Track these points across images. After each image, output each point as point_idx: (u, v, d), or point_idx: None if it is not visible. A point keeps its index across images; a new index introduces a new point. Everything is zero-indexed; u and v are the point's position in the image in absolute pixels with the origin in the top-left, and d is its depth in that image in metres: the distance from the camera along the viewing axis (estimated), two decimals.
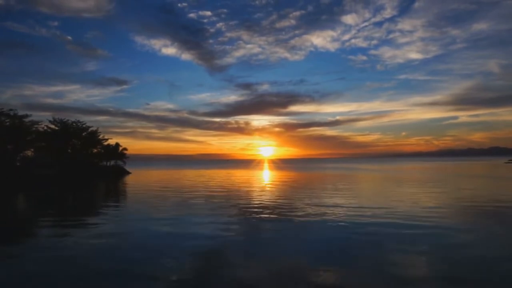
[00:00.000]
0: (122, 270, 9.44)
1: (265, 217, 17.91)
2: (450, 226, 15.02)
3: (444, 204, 21.97)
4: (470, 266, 9.61)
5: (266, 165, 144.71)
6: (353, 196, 26.32)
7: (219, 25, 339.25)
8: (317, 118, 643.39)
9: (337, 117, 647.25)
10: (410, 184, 37.48)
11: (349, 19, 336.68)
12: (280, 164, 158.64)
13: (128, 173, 68.81)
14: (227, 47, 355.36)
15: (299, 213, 18.62)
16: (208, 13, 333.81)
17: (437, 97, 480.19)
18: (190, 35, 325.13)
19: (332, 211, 19.06)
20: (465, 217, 17.67)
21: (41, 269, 9.73)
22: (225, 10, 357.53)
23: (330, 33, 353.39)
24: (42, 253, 11.37)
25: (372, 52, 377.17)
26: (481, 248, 11.45)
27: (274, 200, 24.60)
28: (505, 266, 9.61)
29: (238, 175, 63.54)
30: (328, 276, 8.79)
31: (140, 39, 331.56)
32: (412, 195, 26.87)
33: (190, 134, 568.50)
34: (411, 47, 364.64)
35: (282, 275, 9.02)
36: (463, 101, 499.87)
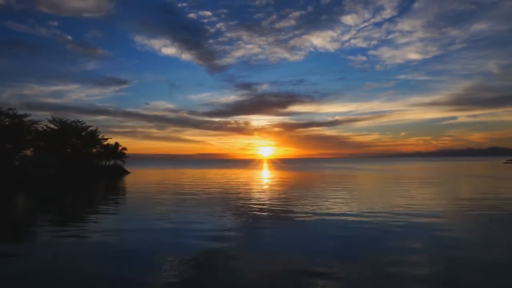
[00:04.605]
0: (119, 276, 9.38)
1: (265, 218, 17.90)
2: (465, 236, 14.46)
3: (450, 208, 21.92)
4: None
5: (265, 165, 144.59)
6: (356, 199, 26.30)
7: (219, 25, 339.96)
8: (317, 118, 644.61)
9: (337, 117, 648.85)
10: (412, 185, 37.46)
11: (348, 19, 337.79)
12: (280, 164, 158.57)
13: (128, 172, 68.66)
14: (227, 47, 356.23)
15: (299, 216, 18.60)
16: (208, 13, 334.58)
17: (436, 97, 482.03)
18: (190, 35, 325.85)
19: (332, 215, 19.03)
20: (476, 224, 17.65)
21: (39, 271, 9.70)
22: (225, 10, 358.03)
23: (330, 33, 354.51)
24: (40, 255, 11.35)
25: (372, 52, 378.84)
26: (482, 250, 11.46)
27: (274, 203, 24.56)
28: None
29: (237, 175, 63.47)
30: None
31: (140, 39, 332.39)
32: (415, 196, 26.84)
33: (190, 134, 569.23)
34: (410, 47, 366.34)
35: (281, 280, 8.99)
36: (462, 101, 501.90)
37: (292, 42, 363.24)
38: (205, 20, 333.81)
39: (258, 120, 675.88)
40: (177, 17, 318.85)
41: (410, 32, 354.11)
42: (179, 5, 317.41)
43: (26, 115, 53.60)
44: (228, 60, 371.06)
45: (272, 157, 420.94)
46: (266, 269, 9.44)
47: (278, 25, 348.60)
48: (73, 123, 63.47)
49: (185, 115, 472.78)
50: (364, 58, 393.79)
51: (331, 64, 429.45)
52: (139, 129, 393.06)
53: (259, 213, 19.06)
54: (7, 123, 51.30)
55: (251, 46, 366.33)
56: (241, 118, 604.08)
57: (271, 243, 12.52)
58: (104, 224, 16.31)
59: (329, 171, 77.17)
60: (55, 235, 14.24)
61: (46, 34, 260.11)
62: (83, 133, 64.42)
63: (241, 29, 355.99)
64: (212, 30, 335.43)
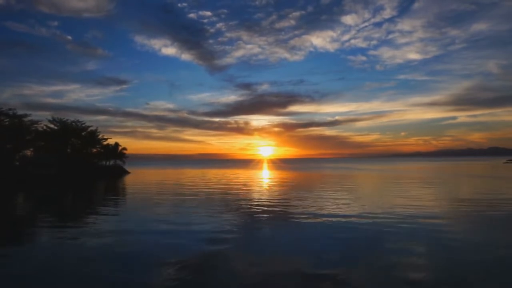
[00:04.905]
0: (119, 277, 9.37)
1: (264, 219, 17.90)
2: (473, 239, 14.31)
3: (450, 209, 21.89)
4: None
5: (265, 165, 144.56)
6: (356, 199, 26.30)
7: (219, 25, 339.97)
8: (317, 118, 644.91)
9: (336, 117, 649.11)
10: (412, 185, 37.44)
11: (348, 19, 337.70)
12: (280, 164, 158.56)
13: (128, 172, 68.67)
14: (227, 47, 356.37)
15: (299, 217, 18.59)
16: (208, 13, 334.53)
17: (436, 97, 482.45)
18: (190, 35, 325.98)
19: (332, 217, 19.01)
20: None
21: (38, 271, 9.69)
22: (225, 10, 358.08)
23: (330, 33, 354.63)
24: (40, 255, 11.35)
25: (372, 52, 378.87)
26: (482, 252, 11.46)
27: (274, 203, 24.54)
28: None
29: (237, 176, 63.47)
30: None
31: (140, 39, 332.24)
32: (416, 197, 26.82)
33: (190, 134, 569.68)
34: (410, 47, 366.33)
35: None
36: (462, 101, 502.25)
37: (292, 42, 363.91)
38: (205, 20, 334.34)
39: (258, 120, 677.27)
40: (177, 17, 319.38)
41: (410, 32, 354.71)
42: (179, 5, 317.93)
43: (26, 115, 53.72)
44: (228, 60, 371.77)
45: (272, 157, 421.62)
46: (265, 270, 9.43)
47: (278, 25, 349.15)
48: (73, 123, 63.53)
49: (185, 115, 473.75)
50: (364, 58, 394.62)
51: (331, 64, 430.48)
52: (139, 129, 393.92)
53: (259, 214, 19.05)
54: (7, 123, 51.31)
55: (251, 46, 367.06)
56: (241, 118, 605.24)
57: (271, 245, 12.47)
58: (104, 225, 16.29)
59: (329, 171, 77.17)
60: (54, 236, 14.25)
61: (46, 34, 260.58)
62: (83, 133, 64.44)
63: (241, 29, 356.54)
64: (212, 30, 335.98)
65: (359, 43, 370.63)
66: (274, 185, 39.20)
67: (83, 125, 64.87)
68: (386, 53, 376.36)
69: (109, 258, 10.86)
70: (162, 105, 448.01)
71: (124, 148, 72.45)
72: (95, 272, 9.35)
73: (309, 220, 16.74)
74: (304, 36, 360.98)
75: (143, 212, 20.21)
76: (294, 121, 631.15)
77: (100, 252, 11.48)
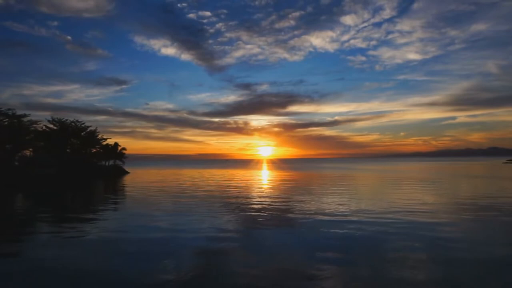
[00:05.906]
0: (117, 279, 9.34)
1: (263, 222, 17.85)
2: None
3: (451, 210, 21.86)
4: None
5: (264, 165, 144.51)
6: (356, 200, 26.26)
7: (218, 25, 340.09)
8: (316, 118, 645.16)
9: (336, 117, 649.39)
10: (412, 186, 37.41)
11: (348, 19, 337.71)
12: (279, 164, 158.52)
13: (127, 172, 68.62)
14: (227, 47, 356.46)
15: (299, 220, 18.54)
16: (208, 13, 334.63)
17: (435, 97, 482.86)
18: (190, 35, 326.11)
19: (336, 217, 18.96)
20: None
21: (36, 275, 9.64)
22: (224, 11, 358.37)
23: (329, 33, 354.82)
24: (38, 256, 11.27)
25: (371, 52, 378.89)
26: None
27: (273, 205, 24.48)
28: None
29: (236, 176, 63.44)
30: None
31: (140, 39, 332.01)
32: (416, 198, 26.78)
33: (189, 134, 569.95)
34: (409, 47, 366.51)
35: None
36: (461, 102, 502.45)
37: (291, 42, 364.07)
38: (205, 20, 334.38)
39: (257, 120, 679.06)
40: (177, 17, 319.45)
41: (409, 33, 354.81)
42: (179, 5, 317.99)
43: (25, 115, 53.65)
44: (227, 60, 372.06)
45: (272, 157, 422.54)
46: (263, 275, 9.39)
47: (277, 25, 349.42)
48: (73, 123, 63.49)
49: (185, 115, 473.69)
50: (363, 58, 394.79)
51: (330, 64, 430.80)
52: (139, 129, 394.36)
53: (259, 218, 18.89)
54: (6, 123, 51.23)
55: (250, 46, 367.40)
56: (240, 118, 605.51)
57: (270, 249, 12.35)
58: (102, 229, 16.14)
59: (329, 171, 77.13)
60: (52, 239, 14.16)
61: (46, 34, 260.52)
62: (82, 133, 64.41)
63: (241, 29, 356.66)
64: (211, 30, 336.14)
65: (359, 43, 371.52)
66: (273, 186, 39.16)
67: (83, 125, 64.88)
68: (385, 53, 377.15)
69: (104, 263, 10.76)
70: (161, 105, 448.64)
71: (124, 148, 72.48)
72: (91, 279, 9.29)
73: (308, 223, 16.65)
74: (304, 36, 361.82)
75: (143, 214, 20.03)
76: (293, 121, 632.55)
77: (98, 258, 11.39)
